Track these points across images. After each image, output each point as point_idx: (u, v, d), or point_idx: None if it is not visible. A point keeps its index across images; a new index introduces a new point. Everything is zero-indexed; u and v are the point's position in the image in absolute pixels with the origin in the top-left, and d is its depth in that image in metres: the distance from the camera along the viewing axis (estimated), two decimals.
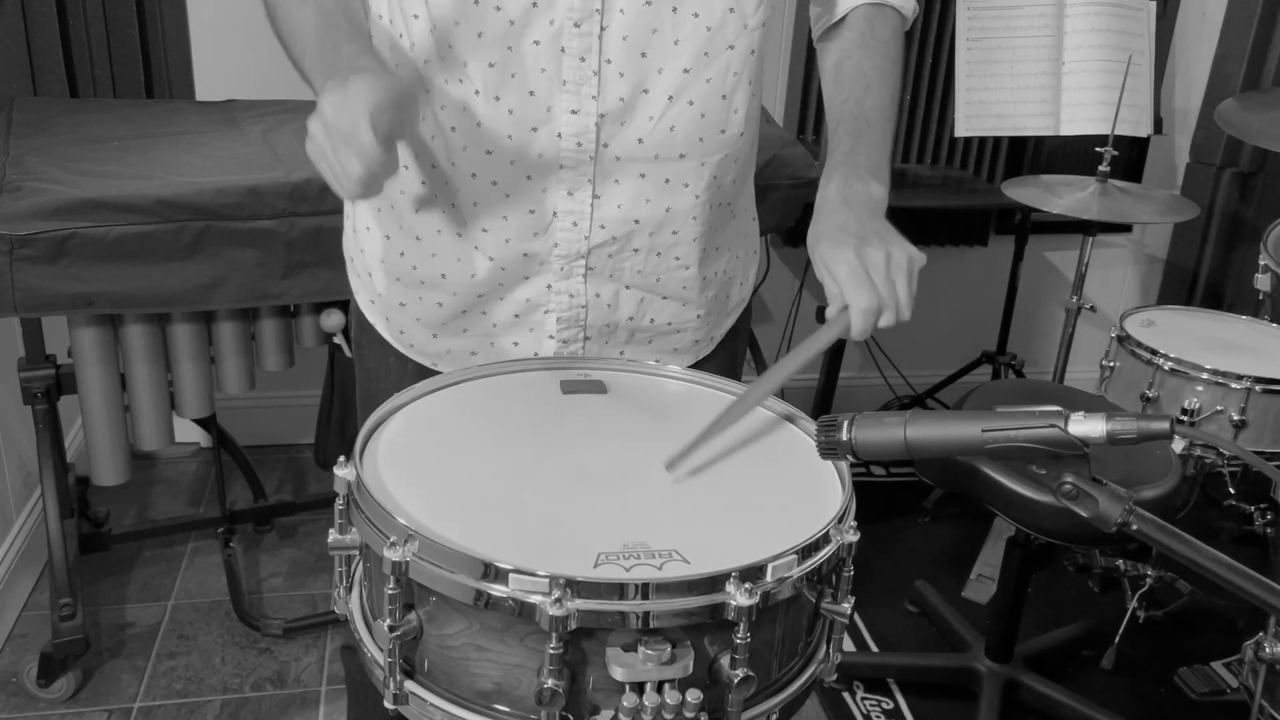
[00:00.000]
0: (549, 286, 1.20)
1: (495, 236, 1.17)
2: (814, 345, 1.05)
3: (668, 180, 1.16)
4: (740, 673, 0.82)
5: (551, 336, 1.23)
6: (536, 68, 1.09)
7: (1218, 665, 2.45)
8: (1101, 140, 2.61)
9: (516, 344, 1.24)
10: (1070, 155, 3.22)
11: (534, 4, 1.07)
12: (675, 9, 1.10)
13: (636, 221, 1.17)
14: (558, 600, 0.78)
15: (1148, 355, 2.19)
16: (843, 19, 1.22)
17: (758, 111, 1.23)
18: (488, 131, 1.12)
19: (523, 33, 1.08)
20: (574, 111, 1.11)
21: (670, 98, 1.12)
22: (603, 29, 1.09)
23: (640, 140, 1.13)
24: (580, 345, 1.24)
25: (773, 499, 0.98)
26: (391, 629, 0.85)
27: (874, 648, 2.48)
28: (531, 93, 1.10)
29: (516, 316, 1.22)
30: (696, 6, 1.10)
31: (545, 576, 0.78)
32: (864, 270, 1.02)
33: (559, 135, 1.12)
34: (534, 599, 0.79)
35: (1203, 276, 3.50)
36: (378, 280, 1.27)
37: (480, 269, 1.19)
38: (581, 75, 1.10)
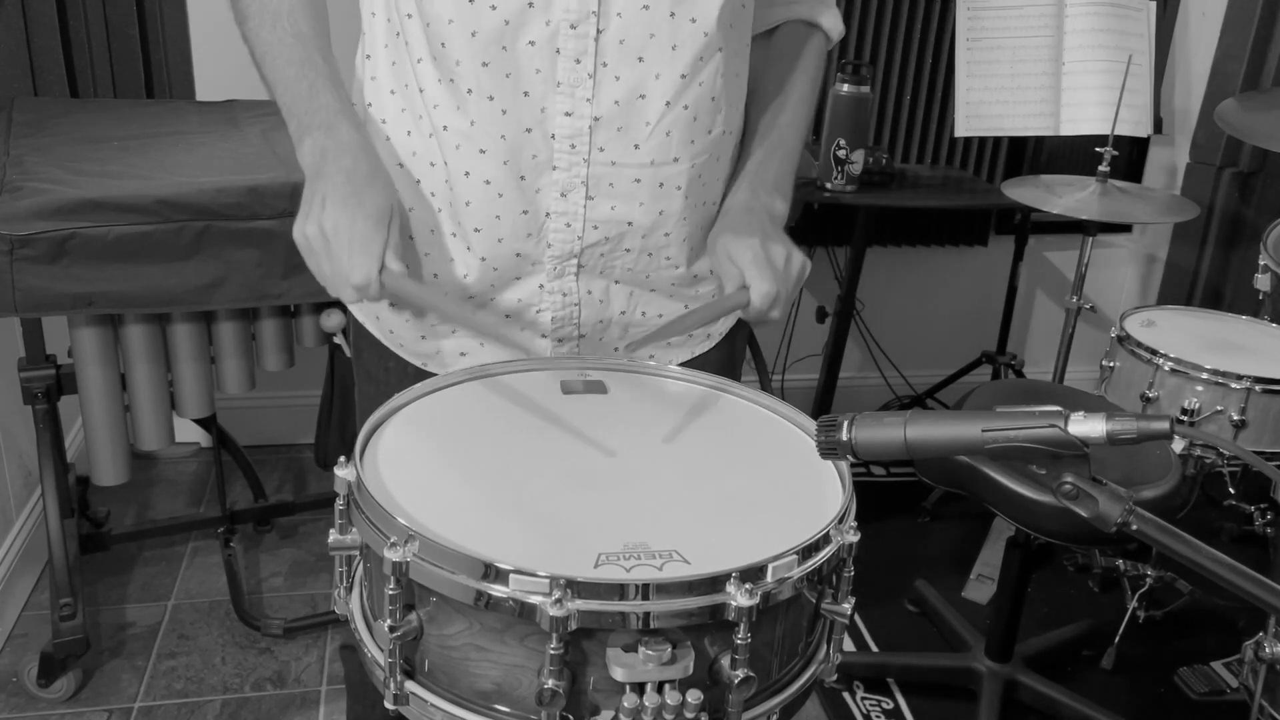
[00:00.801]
0: (541, 286, 1.20)
1: (488, 236, 1.17)
2: (707, 313, 1.16)
3: (661, 184, 1.16)
4: (740, 673, 0.82)
5: (545, 336, 1.22)
6: (531, 68, 1.09)
7: (1218, 665, 2.45)
8: (1101, 140, 2.61)
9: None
10: (1070, 155, 3.22)
11: (530, 4, 1.07)
12: (673, 14, 1.09)
13: (630, 223, 1.17)
14: (558, 601, 0.78)
15: (1148, 355, 2.19)
16: (771, 31, 1.28)
17: (741, 109, 1.23)
18: (481, 131, 1.12)
19: (518, 33, 1.08)
20: (568, 113, 1.11)
21: (668, 103, 1.12)
22: (599, 32, 1.08)
23: (637, 146, 1.13)
24: (575, 344, 1.24)
25: (773, 499, 0.98)
26: (392, 629, 0.85)
27: (874, 648, 2.48)
28: (526, 93, 1.10)
29: (508, 317, 1.22)
30: (693, 11, 1.10)
31: (545, 577, 0.78)
32: (768, 260, 1.11)
33: (553, 136, 1.12)
34: (534, 599, 0.79)
35: (1203, 276, 3.50)
36: None
37: (472, 269, 1.19)
38: (576, 77, 1.10)
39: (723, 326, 1.34)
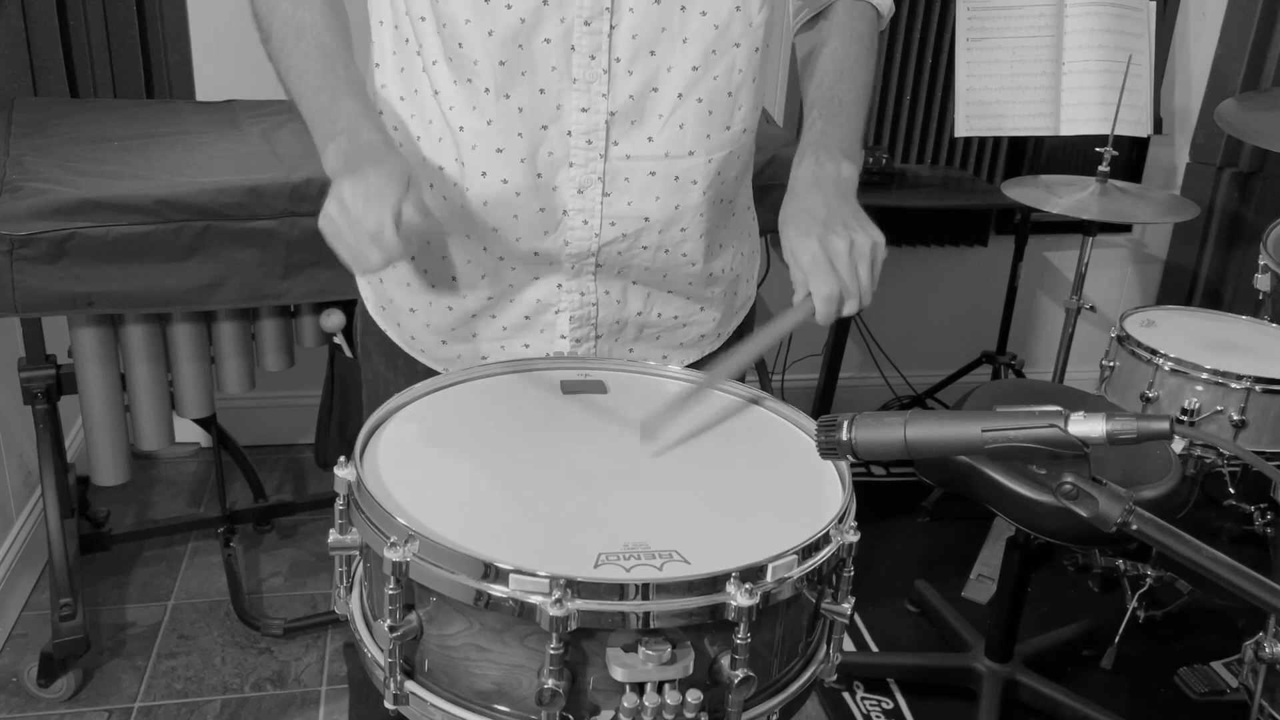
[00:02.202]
0: (559, 286, 1.20)
1: (505, 236, 1.17)
2: (780, 327, 1.08)
3: (677, 177, 1.16)
4: (740, 673, 0.82)
5: (564, 336, 1.23)
6: (547, 65, 1.10)
7: (1218, 665, 2.45)
8: (1101, 140, 2.61)
9: (527, 346, 1.24)
10: (1070, 155, 3.22)
11: (544, 2, 1.07)
12: (684, 7, 1.10)
13: (646, 219, 1.17)
14: (558, 601, 0.78)
15: (1148, 355, 2.19)
16: (821, 12, 1.26)
17: (760, 108, 1.23)
18: (498, 130, 1.12)
19: (533, 31, 1.08)
20: (584, 109, 1.11)
21: (680, 95, 1.13)
22: (612, 27, 1.09)
23: (650, 139, 1.13)
24: (593, 344, 1.24)
25: (773, 499, 0.98)
26: (392, 629, 0.85)
27: (874, 648, 2.48)
28: (541, 90, 1.11)
29: (527, 318, 1.22)
30: (704, 5, 1.11)
31: (545, 577, 0.78)
32: (827, 259, 1.05)
33: (569, 133, 1.12)
34: (534, 599, 0.79)
35: (1203, 276, 3.50)
36: (389, 286, 1.27)
37: (490, 269, 1.19)
38: (591, 73, 1.10)
39: (728, 328, 1.34)
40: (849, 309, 1.06)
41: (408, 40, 1.14)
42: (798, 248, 1.06)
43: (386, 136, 1.09)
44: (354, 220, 0.99)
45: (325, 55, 1.11)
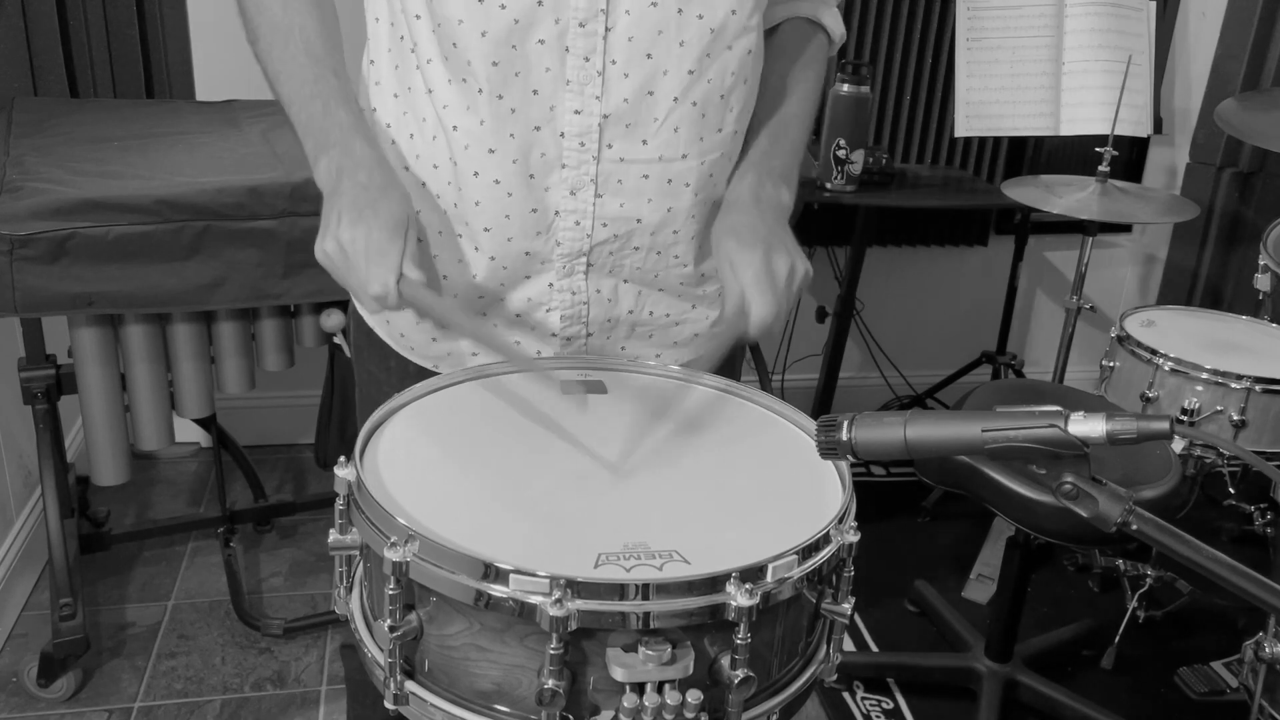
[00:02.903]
0: (550, 285, 1.20)
1: (497, 236, 1.17)
2: (716, 348, 1.12)
3: (669, 180, 1.16)
4: (740, 673, 0.82)
5: (554, 334, 1.23)
6: (541, 66, 1.10)
7: (1218, 665, 2.45)
8: (1101, 140, 2.61)
9: (518, 343, 1.24)
10: (1070, 155, 3.22)
11: (539, 3, 1.07)
12: (680, 10, 1.10)
13: (639, 220, 1.17)
14: (558, 601, 0.78)
15: (1148, 355, 2.19)
16: (775, 27, 1.27)
17: (751, 109, 1.23)
18: (490, 130, 1.12)
19: (527, 31, 1.08)
20: (577, 111, 1.11)
21: (675, 99, 1.13)
22: (608, 29, 1.09)
23: (645, 142, 1.13)
24: (584, 342, 1.24)
25: (773, 499, 0.98)
26: (392, 629, 0.85)
27: (874, 648, 2.48)
28: (535, 91, 1.10)
29: (518, 316, 1.22)
30: (701, 8, 1.11)
31: (545, 577, 0.78)
32: (769, 277, 1.08)
33: (562, 135, 1.12)
34: (534, 599, 0.79)
35: (1203, 276, 3.50)
36: None
37: (481, 269, 1.19)
38: (585, 75, 1.10)
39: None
40: (774, 329, 1.10)
41: (403, 38, 1.14)
42: (740, 261, 1.09)
43: (379, 152, 1.10)
44: (356, 274, 1.03)
45: (315, 62, 1.12)
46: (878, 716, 2.27)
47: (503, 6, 1.07)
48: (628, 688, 0.81)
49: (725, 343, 1.11)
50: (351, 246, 1.03)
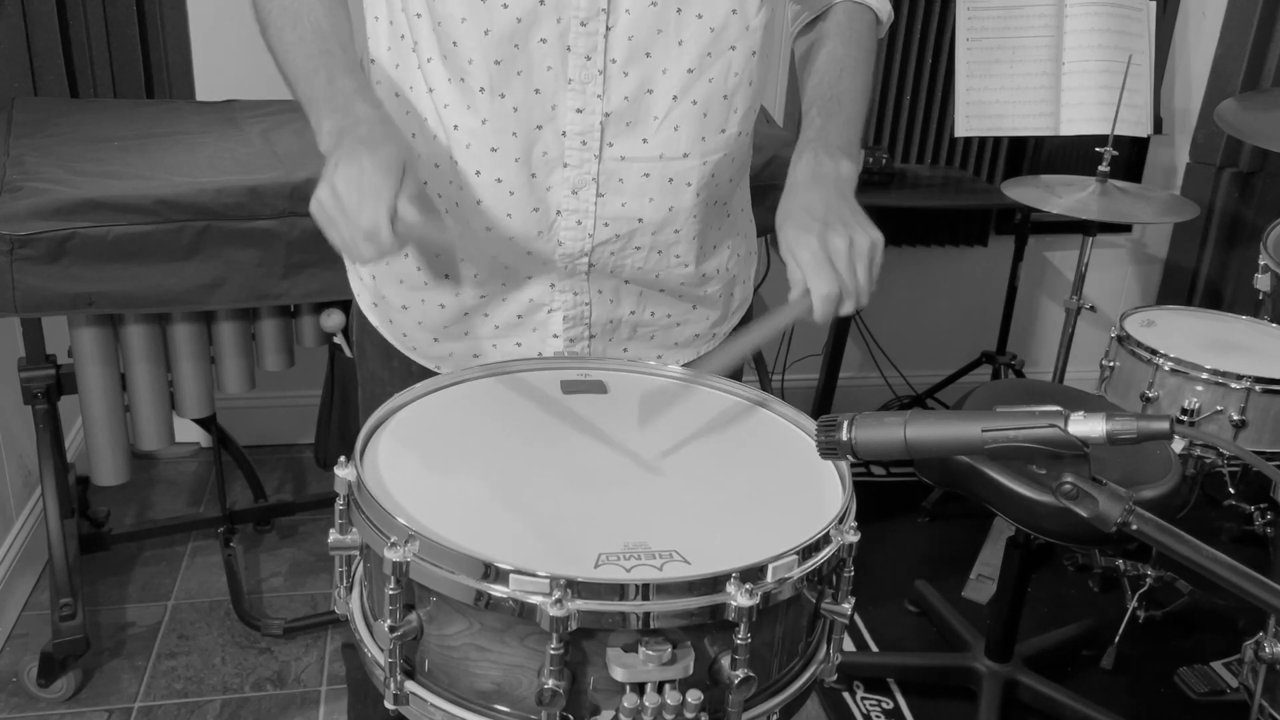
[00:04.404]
0: (552, 285, 1.20)
1: (499, 235, 1.17)
2: (775, 323, 1.07)
3: (671, 179, 1.16)
4: (740, 673, 0.82)
5: (556, 335, 1.23)
6: (543, 65, 1.10)
7: (1218, 665, 2.45)
8: (1101, 140, 2.61)
9: (519, 345, 1.24)
10: (1070, 155, 3.22)
11: (541, 2, 1.07)
12: (680, 10, 1.10)
13: (640, 220, 1.17)
14: (558, 601, 0.78)
15: (1148, 355, 2.19)
16: (819, 14, 1.26)
17: (756, 111, 1.23)
18: (492, 129, 1.12)
19: (529, 30, 1.08)
20: (579, 110, 1.11)
21: (675, 98, 1.13)
22: (608, 29, 1.09)
23: (645, 140, 1.13)
24: (586, 343, 1.24)
25: (773, 499, 0.98)
26: (392, 629, 0.85)
27: (874, 648, 2.48)
28: (537, 90, 1.11)
29: (519, 317, 1.22)
30: (700, 7, 1.11)
31: (545, 577, 0.78)
32: (826, 256, 1.04)
33: (563, 133, 1.12)
34: (534, 599, 0.79)
35: (1203, 276, 3.50)
36: (381, 283, 1.27)
37: (483, 268, 1.19)
38: (587, 74, 1.10)
39: (727, 327, 1.34)
40: (846, 308, 1.05)
41: (403, 36, 1.14)
42: (796, 244, 1.05)
43: (383, 112, 1.06)
44: (348, 213, 0.97)
45: (321, 37, 1.10)
46: (878, 716, 2.27)
47: (505, 5, 1.07)
48: (628, 688, 0.81)
49: (784, 321, 1.07)
50: (345, 187, 0.97)
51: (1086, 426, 0.80)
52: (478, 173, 1.14)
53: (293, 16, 1.11)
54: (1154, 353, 2.17)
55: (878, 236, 1.07)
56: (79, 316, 2.02)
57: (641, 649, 0.80)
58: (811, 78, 1.22)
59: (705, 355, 1.29)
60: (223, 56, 2.67)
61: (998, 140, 3.24)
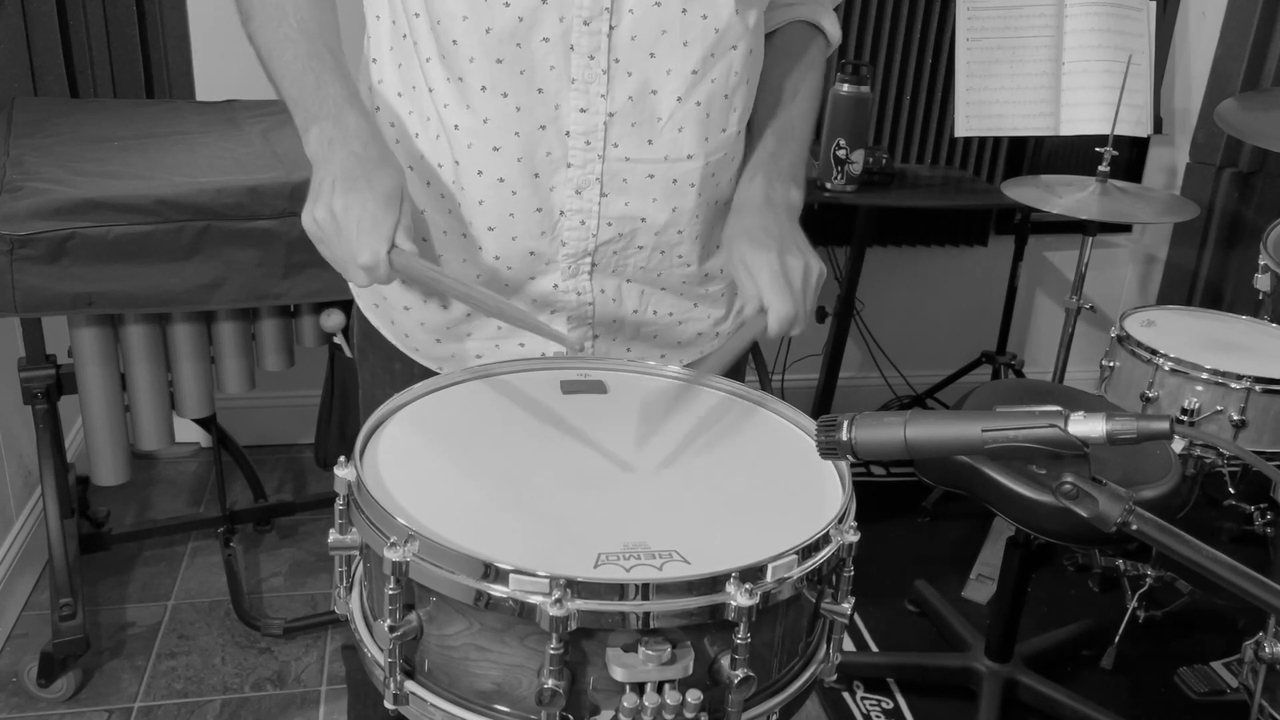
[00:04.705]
0: (555, 285, 1.20)
1: (501, 235, 1.17)
2: (734, 348, 1.12)
3: (674, 180, 1.16)
4: (740, 673, 0.82)
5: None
6: (545, 65, 1.10)
7: (1218, 665, 2.45)
8: (1101, 140, 2.61)
9: (522, 345, 1.24)
10: (1070, 155, 3.22)
11: (543, 1, 1.07)
12: (685, 10, 1.10)
13: (643, 220, 1.17)
14: (558, 601, 0.78)
15: (1148, 355, 2.19)
16: (774, 31, 1.27)
17: (750, 109, 1.24)
18: (494, 129, 1.12)
19: (531, 29, 1.08)
20: (583, 110, 1.11)
21: (679, 99, 1.13)
22: (612, 28, 1.09)
23: (650, 142, 1.13)
24: (590, 343, 1.24)
25: (773, 499, 0.98)
26: (392, 629, 0.85)
27: (874, 648, 2.48)
28: (539, 90, 1.10)
29: None
30: (705, 8, 1.11)
31: (545, 577, 0.78)
32: (784, 277, 1.08)
33: (567, 133, 1.12)
34: (534, 599, 0.79)
35: (1203, 276, 3.50)
36: None
37: (486, 269, 1.19)
38: (590, 74, 1.10)
39: (729, 326, 1.34)
40: (796, 330, 1.10)
41: (405, 35, 1.14)
42: (754, 262, 1.09)
43: (373, 125, 1.08)
44: (347, 243, 1.00)
45: (309, 39, 1.10)
46: (878, 716, 2.27)
47: (506, 4, 1.07)
48: (628, 688, 0.81)
49: (743, 343, 1.11)
50: (344, 215, 1.00)
51: (1086, 426, 0.80)
52: (480, 173, 1.14)
53: (277, 12, 1.11)
54: (1154, 353, 2.17)
55: (823, 266, 1.13)
56: (79, 316, 2.02)
57: (641, 649, 0.80)
58: (766, 96, 1.24)
59: (706, 358, 1.29)
60: (223, 56, 2.67)
61: (998, 140, 3.24)
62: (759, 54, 1.20)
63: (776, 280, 1.07)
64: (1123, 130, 2.69)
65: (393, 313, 1.27)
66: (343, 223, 1.00)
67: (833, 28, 1.30)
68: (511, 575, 0.79)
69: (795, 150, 1.21)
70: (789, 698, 0.91)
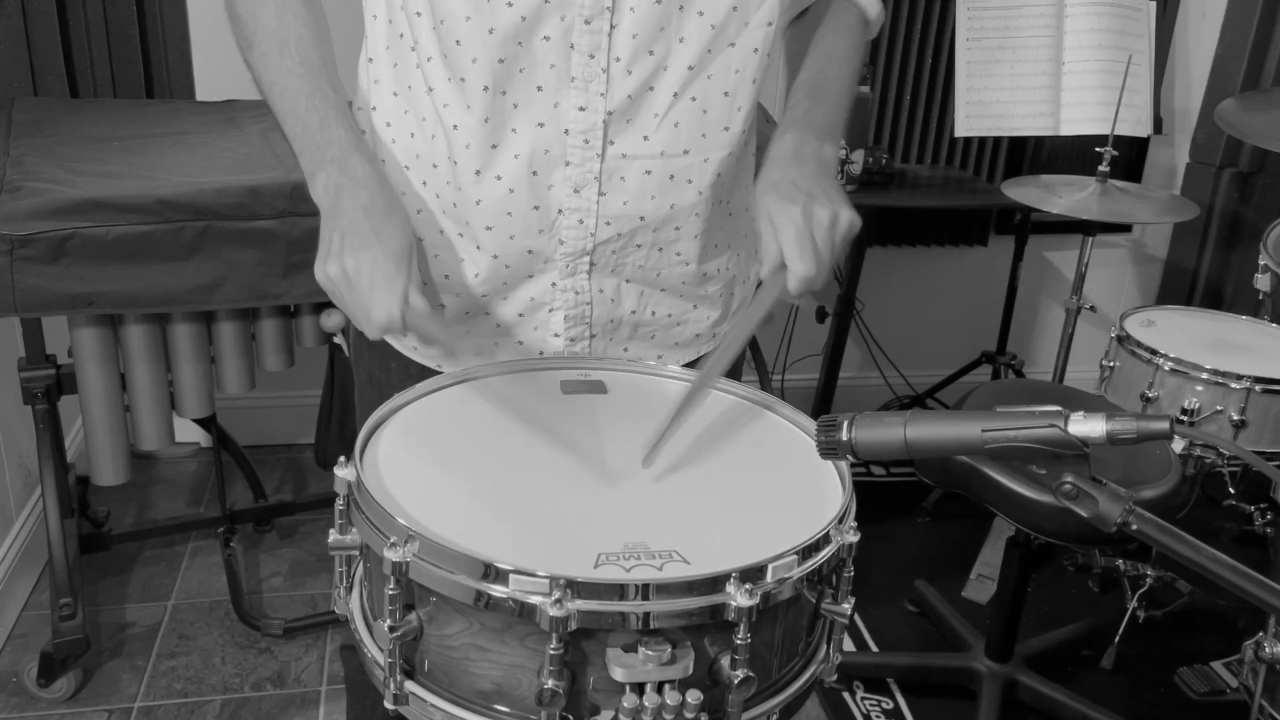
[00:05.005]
0: (554, 284, 1.20)
1: (499, 234, 1.17)
2: (757, 311, 1.07)
3: (672, 176, 1.16)
4: (740, 673, 0.82)
5: (557, 335, 1.23)
6: (546, 63, 1.10)
7: (1218, 665, 2.45)
8: (1101, 140, 2.61)
9: (521, 343, 1.24)
10: (1070, 155, 3.22)
11: (546, 0, 1.07)
12: (682, 7, 1.10)
13: (642, 218, 1.17)
14: (558, 601, 0.78)
15: (1148, 355, 2.19)
16: (807, 9, 1.26)
17: (757, 109, 1.24)
18: (494, 127, 1.12)
19: (533, 28, 1.08)
20: (582, 108, 1.11)
21: (675, 94, 1.13)
22: (613, 27, 1.09)
23: (646, 137, 1.13)
24: (587, 342, 1.24)
25: (773, 499, 0.98)
26: (392, 629, 0.85)
27: (874, 648, 2.48)
28: (539, 88, 1.11)
29: (520, 315, 1.22)
30: (702, 5, 1.11)
31: (545, 577, 0.78)
32: (809, 232, 1.02)
33: (566, 131, 1.12)
34: (534, 599, 0.79)
35: (1203, 276, 3.50)
36: None
37: (484, 267, 1.19)
38: (590, 72, 1.10)
39: (724, 329, 1.34)
40: (817, 286, 1.04)
41: (402, 35, 1.14)
42: (779, 215, 1.03)
43: (378, 171, 1.08)
44: (360, 302, 1.00)
45: (312, 75, 1.10)
46: (878, 716, 2.27)
47: (510, 4, 1.07)
48: (627, 688, 0.81)
49: (764, 309, 1.06)
50: (356, 275, 1.00)
51: (1086, 426, 0.80)
52: (478, 171, 1.14)
53: (279, 44, 1.11)
54: (1154, 353, 2.17)
55: (855, 218, 1.07)
56: (79, 316, 2.02)
57: (641, 649, 0.80)
58: (799, 63, 1.22)
59: (705, 358, 1.28)
60: (223, 56, 2.64)
61: (998, 140, 3.24)
62: (766, 54, 1.19)
63: (801, 238, 1.02)
64: (1123, 130, 2.69)
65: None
66: (355, 282, 1.00)
67: (870, 4, 1.26)
68: (511, 575, 0.79)
69: (828, 108, 1.16)
70: (789, 698, 0.91)
